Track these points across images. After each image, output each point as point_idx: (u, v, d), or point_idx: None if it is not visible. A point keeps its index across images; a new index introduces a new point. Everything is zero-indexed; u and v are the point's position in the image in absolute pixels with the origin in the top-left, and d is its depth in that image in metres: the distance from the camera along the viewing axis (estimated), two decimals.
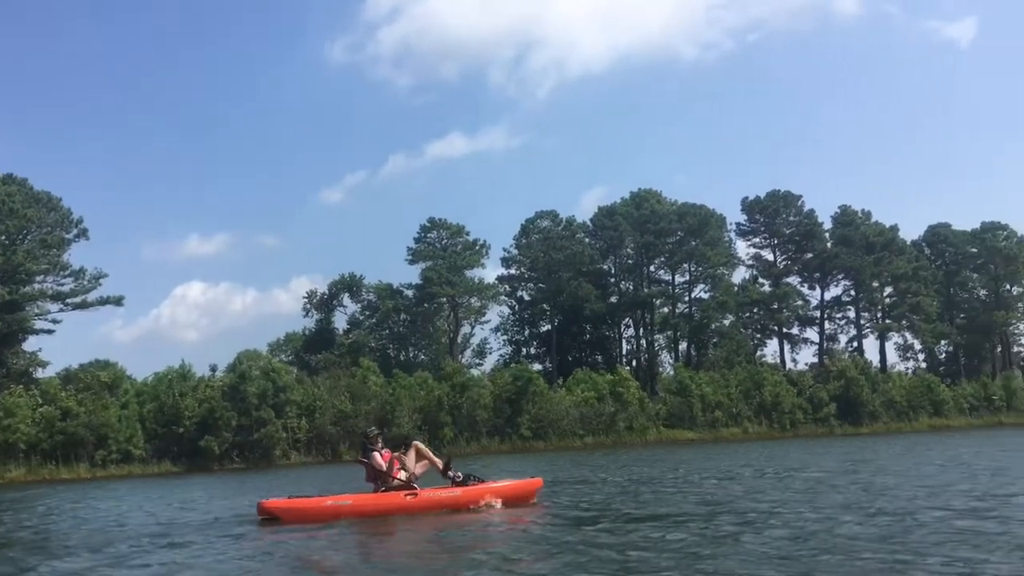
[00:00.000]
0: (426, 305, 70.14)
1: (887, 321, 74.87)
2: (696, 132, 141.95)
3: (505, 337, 76.02)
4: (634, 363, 73.18)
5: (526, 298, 75.85)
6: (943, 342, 78.42)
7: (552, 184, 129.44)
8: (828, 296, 75.69)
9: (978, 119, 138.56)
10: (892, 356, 76.10)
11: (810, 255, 74.62)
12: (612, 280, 75.48)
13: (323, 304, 72.31)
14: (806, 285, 75.66)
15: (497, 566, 8.43)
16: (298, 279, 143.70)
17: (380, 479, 13.68)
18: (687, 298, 73.53)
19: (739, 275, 75.50)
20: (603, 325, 75.96)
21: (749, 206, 76.03)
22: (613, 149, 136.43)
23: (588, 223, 75.18)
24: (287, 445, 47.18)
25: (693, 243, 71.13)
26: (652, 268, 74.65)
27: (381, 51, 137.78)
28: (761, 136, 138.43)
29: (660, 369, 74.13)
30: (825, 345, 74.84)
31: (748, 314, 73.78)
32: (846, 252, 71.94)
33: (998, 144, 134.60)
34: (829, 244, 74.19)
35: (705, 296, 72.76)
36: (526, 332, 77.31)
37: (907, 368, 75.00)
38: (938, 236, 78.79)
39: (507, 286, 74.51)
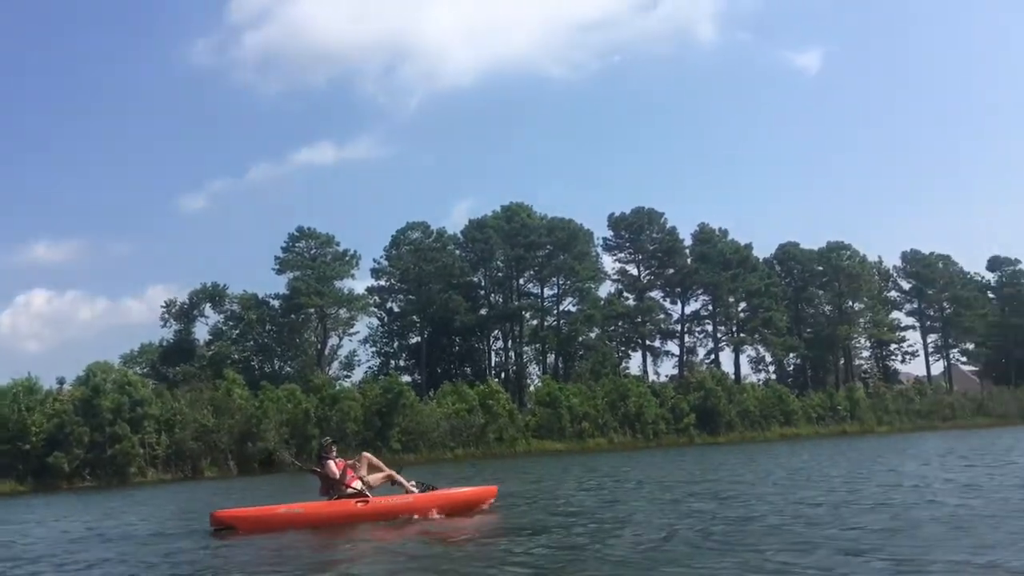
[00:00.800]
0: (293, 316, 68.59)
1: (741, 335, 78.62)
2: (564, 148, 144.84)
3: (374, 349, 75.32)
4: (502, 375, 73.85)
5: (395, 310, 75.40)
6: (791, 355, 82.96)
7: (422, 195, 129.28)
8: (688, 310, 78.92)
9: (824, 142, 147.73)
10: (745, 368, 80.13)
11: (672, 271, 77.51)
12: (482, 292, 76.07)
13: (183, 314, 69.35)
14: (668, 299, 78.71)
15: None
16: (154, 288, 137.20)
17: (334, 488, 13.72)
18: (556, 311, 75.00)
19: (605, 289, 77.68)
20: (473, 337, 76.42)
21: (615, 222, 78.30)
22: (482, 162, 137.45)
23: (459, 235, 75.56)
24: (144, 462, 45.07)
25: (562, 257, 72.68)
26: (522, 281, 75.78)
27: (246, 55, 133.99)
28: (627, 153, 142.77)
29: (528, 381, 75.36)
30: (685, 357, 77.87)
31: (613, 327, 75.90)
32: (705, 268, 75.18)
33: (842, 167, 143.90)
34: (689, 260, 77.26)
35: (573, 309, 74.50)
36: (395, 344, 76.78)
37: (759, 380, 78.99)
38: (788, 254, 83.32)
39: (377, 297, 73.88)
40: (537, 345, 75.66)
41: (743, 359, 79.83)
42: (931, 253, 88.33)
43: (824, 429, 63.85)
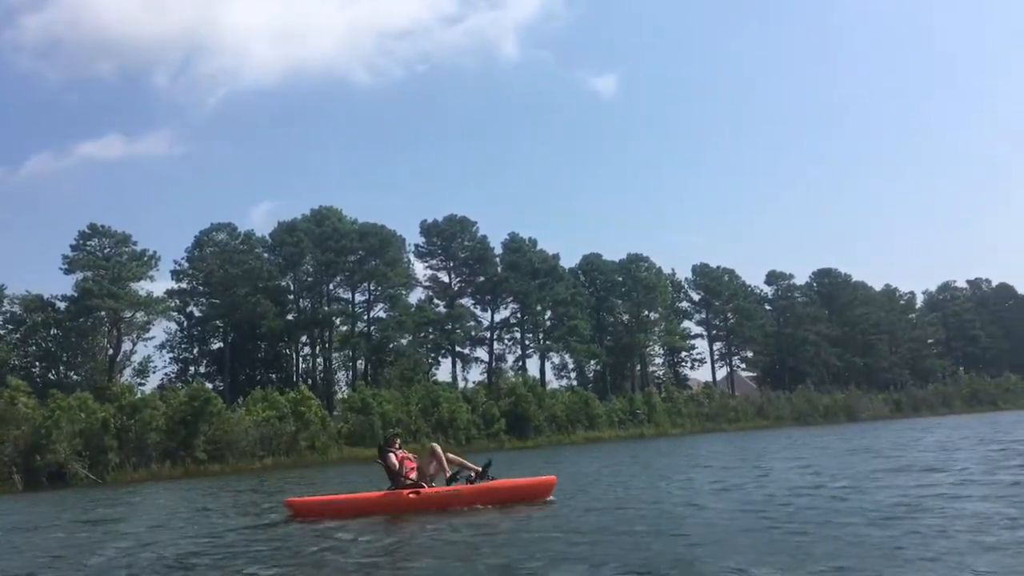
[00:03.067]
0: (82, 319, 63.72)
1: (547, 342, 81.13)
2: (373, 154, 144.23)
3: (171, 355, 71.39)
4: (309, 382, 72.14)
5: (197, 314, 71.87)
6: (593, 361, 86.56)
7: (222, 195, 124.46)
8: (498, 318, 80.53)
9: (621, 162, 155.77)
10: (548, 374, 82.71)
11: (482, 278, 78.83)
12: (291, 297, 74.05)
13: None
14: (478, 307, 79.90)
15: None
16: None
17: (393, 479, 14.10)
18: (366, 317, 74.26)
19: (416, 296, 77.81)
20: (279, 343, 74.25)
21: (427, 229, 78.72)
22: (286, 164, 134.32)
23: (267, 238, 73.26)
24: None
25: (374, 263, 72.13)
26: (332, 286, 74.50)
27: (24, 39, 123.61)
28: (438, 162, 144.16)
29: (336, 388, 74.16)
30: (494, 364, 79.34)
31: (424, 334, 76.12)
32: (514, 277, 77.05)
33: (636, 184, 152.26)
34: (500, 269, 78.87)
35: (384, 315, 74.01)
36: (195, 350, 73.19)
37: (562, 386, 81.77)
38: (591, 265, 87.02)
39: (177, 300, 70.10)
40: (347, 351, 74.54)
41: (547, 365, 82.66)
42: (718, 267, 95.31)
43: (624, 432, 67.02)
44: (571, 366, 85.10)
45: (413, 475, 14.24)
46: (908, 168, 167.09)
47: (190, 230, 71.96)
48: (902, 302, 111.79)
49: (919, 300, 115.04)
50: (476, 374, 79.23)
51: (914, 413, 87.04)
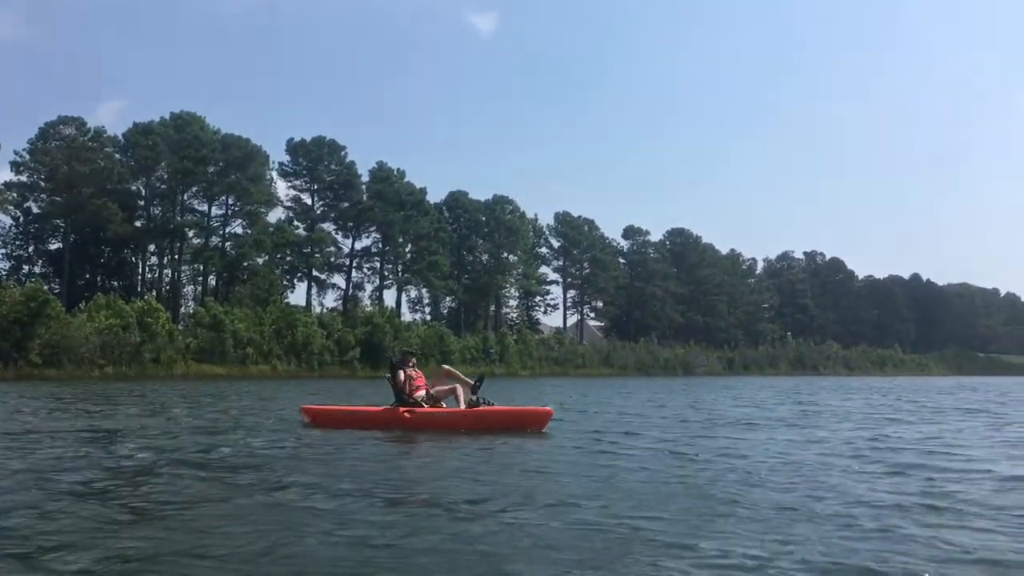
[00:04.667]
0: None
1: (407, 275, 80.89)
2: (242, 65, 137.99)
3: (4, 251, 66.72)
4: (154, 292, 69.22)
5: (36, 210, 67.26)
6: (449, 298, 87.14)
7: (70, 86, 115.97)
8: (359, 246, 79.52)
9: (496, 102, 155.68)
10: (403, 307, 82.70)
11: (347, 204, 77.38)
12: (141, 203, 70.27)
13: None
14: (340, 233, 78.54)
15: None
16: None
17: (397, 395, 13.93)
18: (222, 232, 71.68)
19: (276, 215, 75.55)
20: (125, 250, 70.65)
21: (294, 148, 76.27)
22: (143, 62, 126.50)
23: (119, 138, 69.02)
24: None
25: (234, 176, 69.40)
26: (187, 196, 71.27)
27: None
28: (308, 83, 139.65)
29: (182, 301, 71.64)
30: (351, 292, 78.58)
31: (281, 255, 74.20)
32: (380, 206, 76.03)
33: (508, 125, 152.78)
34: (365, 197, 77.60)
35: (240, 232, 71.68)
36: (31, 248, 68.68)
37: (415, 319, 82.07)
38: (457, 202, 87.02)
39: (15, 194, 65.25)
40: (198, 265, 71.84)
41: (403, 298, 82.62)
42: (579, 216, 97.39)
43: (475, 369, 68.08)
44: (427, 300, 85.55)
45: (419, 394, 14.04)
46: (761, 141, 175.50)
47: (35, 121, 66.69)
48: (744, 267, 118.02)
49: (759, 266, 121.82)
50: (330, 300, 78.39)
51: (744, 371, 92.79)
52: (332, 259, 77.71)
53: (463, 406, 13.78)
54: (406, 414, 13.83)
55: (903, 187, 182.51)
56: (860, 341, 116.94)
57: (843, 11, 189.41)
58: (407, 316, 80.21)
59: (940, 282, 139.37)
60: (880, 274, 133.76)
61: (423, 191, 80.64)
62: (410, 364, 14.61)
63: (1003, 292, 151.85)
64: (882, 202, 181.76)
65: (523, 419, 13.75)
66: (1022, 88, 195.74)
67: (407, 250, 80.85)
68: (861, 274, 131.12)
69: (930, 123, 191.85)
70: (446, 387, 14.13)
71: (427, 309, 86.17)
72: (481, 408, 13.71)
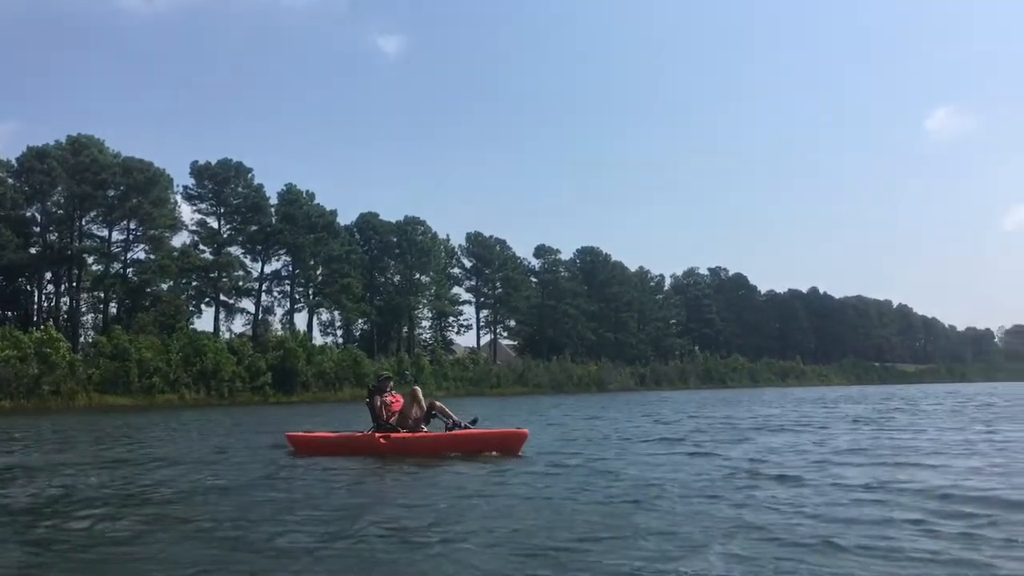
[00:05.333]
0: None
1: (318, 298, 79.70)
2: (138, 82, 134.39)
3: None
4: (51, 322, 66.28)
5: None
6: (361, 320, 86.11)
7: None
8: (268, 269, 77.96)
9: (402, 124, 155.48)
10: (314, 330, 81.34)
11: (255, 228, 75.81)
12: (37, 230, 67.27)
13: None
14: (248, 256, 76.83)
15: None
16: None
17: (374, 420, 14.11)
18: (124, 258, 69.18)
19: (180, 239, 73.37)
20: (19, 278, 67.50)
21: (199, 171, 74.31)
22: (38, 83, 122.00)
23: (12, 162, 66.07)
24: None
25: (136, 200, 67.21)
26: (85, 222, 68.61)
27: None
28: (212, 101, 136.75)
29: (81, 330, 68.83)
30: (261, 316, 76.92)
31: (187, 280, 72.16)
32: (289, 229, 74.78)
33: (416, 147, 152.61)
34: (274, 220, 76.20)
35: (144, 257, 69.38)
36: None
37: (327, 342, 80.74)
38: (368, 224, 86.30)
39: None
40: (98, 293, 69.15)
41: (314, 321, 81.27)
42: (491, 236, 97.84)
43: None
44: (339, 323, 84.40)
45: (393, 420, 14.14)
46: (662, 161, 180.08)
47: None
48: (652, 283, 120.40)
49: (667, 283, 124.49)
50: (239, 325, 76.52)
51: (655, 386, 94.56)
52: (240, 283, 75.97)
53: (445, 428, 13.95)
54: (381, 440, 13.89)
55: (801, 203, 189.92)
56: (763, 354, 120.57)
57: (711, 17, 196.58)
58: (318, 339, 79.03)
59: (837, 295, 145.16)
60: (781, 288, 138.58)
61: (333, 213, 79.76)
62: (388, 389, 14.62)
63: (895, 303, 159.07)
64: (782, 218, 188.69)
65: (498, 441, 13.70)
66: (909, 110, 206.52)
67: (318, 273, 79.69)
68: (763, 288, 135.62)
69: (817, 142, 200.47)
70: (421, 411, 14.29)
71: (339, 332, 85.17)
72: (455, 432, 13.73)
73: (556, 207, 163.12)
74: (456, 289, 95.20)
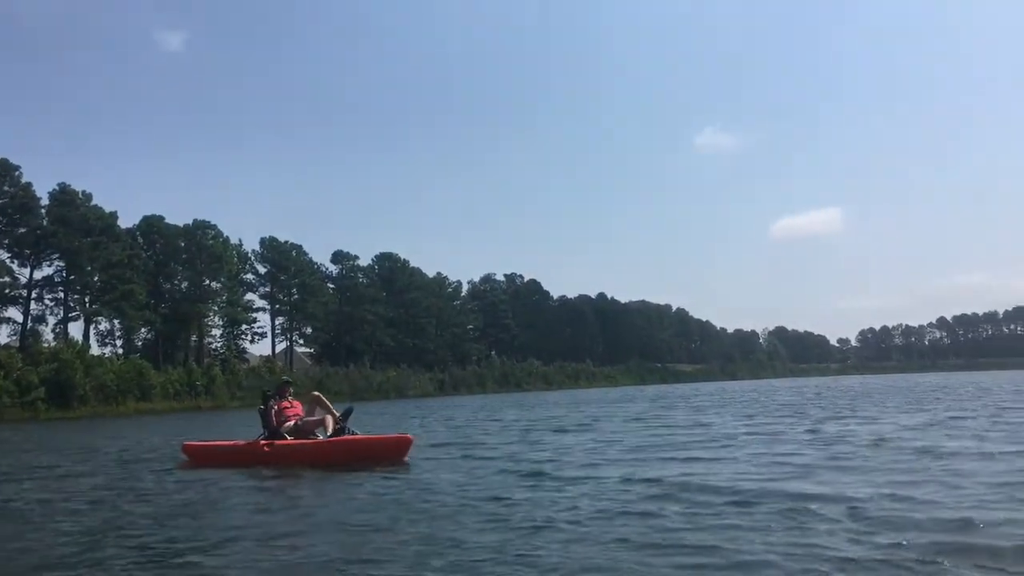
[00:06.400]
0: None
1: (96, 306, 74.36)
2: None
3: None
4: None
5: None
6: (144, 329, 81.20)
7: None
8: (39, 275, 71.85)
9: (186, 122, 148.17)
10: (91, 340, 75.80)
11: (23, 230, 69.67)
12: None
13: None
14: (16, 262, 70.42)
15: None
16: None
17: (265, 427, 13.68)
18: None
19: None
20: None
21: None
22: None
23: None
24: None
25: None
26: None
27: None
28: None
29: None
30: (30, 326, 70.72)
31: None
32: (63, 232, 69.38)
33: (203, 147, 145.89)
34: (45, 222, 70.43)
35: None
36: None
37: (106, 353, 75.48)
38: (152, 227, 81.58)
39: None
40: None
41: (91, 331, 75.73)
42: (286, 241, 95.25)
43: (179, 404, 64.34)
44: (119, 333, 79.14)
45: (287, 425, 13.42)
46: (458, 165, 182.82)
47: None
48: (450, 290, 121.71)
49: (464, 289, 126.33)
50: (3, 336, 70.07)
51: (454, 391, 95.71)
52: (7, 291, 69.48)
53: (329, 436, 13.30)
54: (265, 447, 13.28)
55: (590, 213, 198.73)
56: (556, 357, 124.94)
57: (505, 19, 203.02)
58: (96, 350, 73.71)
59: (623, 300, 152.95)
60: (572, 294, 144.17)
61: (114, 215, 74.69)
62: (287, 394, 14.08)
63: (674, 308, 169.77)
64: (573, 226, 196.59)
65: (381, 448, 13.12)
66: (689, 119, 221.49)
67: (96, 279, 74.33)
68: (556, 294, 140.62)
69: (600, 157, 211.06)
70: (315, 418, 13.67)
71: (119, 342, 79.82)
72: (339, 438, 13.18)
73: (354, 212, 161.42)
74: (250, 296, 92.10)
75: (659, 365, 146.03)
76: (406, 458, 12.80)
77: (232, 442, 15.11)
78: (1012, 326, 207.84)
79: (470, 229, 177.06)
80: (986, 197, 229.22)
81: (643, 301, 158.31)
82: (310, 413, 13.89)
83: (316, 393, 14.14)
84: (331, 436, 13.26)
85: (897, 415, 20.41)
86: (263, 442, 13.56)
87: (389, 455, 12.84)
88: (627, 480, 9.56)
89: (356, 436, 13.43)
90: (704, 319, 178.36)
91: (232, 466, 13.18)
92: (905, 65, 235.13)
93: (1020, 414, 19.15)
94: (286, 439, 13.50)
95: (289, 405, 14.18)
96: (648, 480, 9.44)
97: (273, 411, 13.92)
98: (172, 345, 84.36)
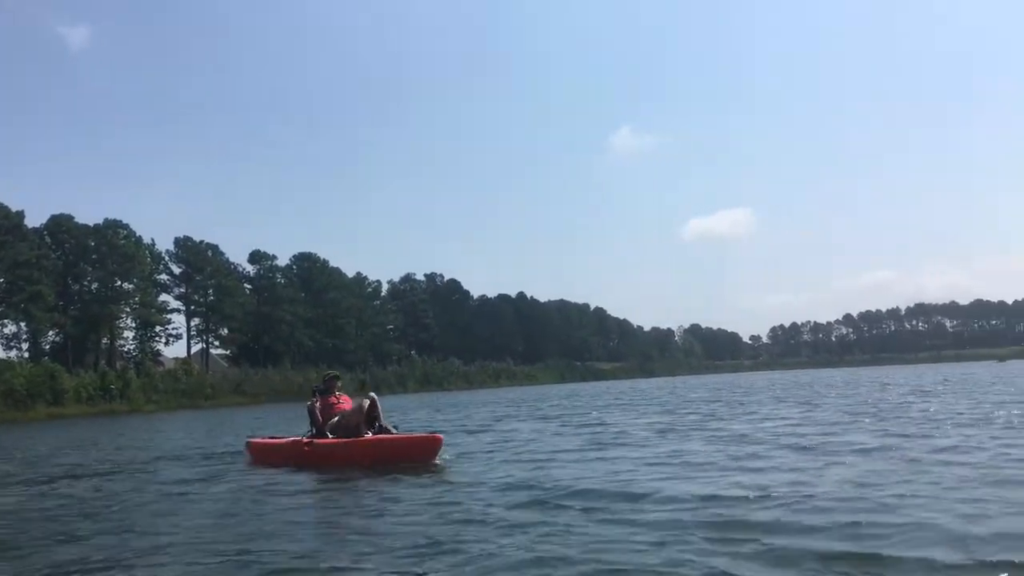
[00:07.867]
0: None
1: (1, 308, 71.69)
2: None
3: None
4: None
5: None
6: (52, 332, 78.56)
7: None
8: None
9: (107, 120, 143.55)
10: None
11: None
12: None
13: None
14: None
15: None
16: None
17: (312, 424, 13.40)
18: None
19: None
20: None
21: None
22: None
23: None
24: None
25: None
26: None
27: None
28: None
29: None
30: None
31: None
32: None
33: (113, 144, 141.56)
34: None
35: None
36: None
37: (11, 356, 72.76)
38: (61, 227, 79.02)
39: None
40: None
41: None
42: (201, 241, 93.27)
43: (93, 408, 62.45)
44: (25, 336, 76.35)
45: (332, 422, 13.06)
46: (377, 165, 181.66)
47: None
48: (370, 289, 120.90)
49: (384, 289, 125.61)
50: None
51: (375, 392, 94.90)
52: None
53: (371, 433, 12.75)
54: (305, 447, 12.98)
55: (508, 212, 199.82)
56: (477, 356, 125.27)
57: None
58: (0, 353, 71.05)
59: (542, 299, 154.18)
60: (492, 294, 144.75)
61: (19, 214, 72.24)
62: (335, 388, 13.65)
63: (593, 307, 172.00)
64: (492, 225, 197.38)
65: (413, 448, 12.39)
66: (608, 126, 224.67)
67: (1, 281, 71.60)
68: (475, 294, 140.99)
69: (522, 156, 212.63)
70: (351, 412, 12.98)
71: (25, 345, 76.96)
72: (370, 437, 12.57)
73: (271, 212, 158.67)
74: (164, 297, 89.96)
75: (579, 363, 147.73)
76: (436, 460, 12.12)
77: (277, 439, 14.87)
78: (913, 322, 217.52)
79: (390, 228, 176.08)
80: (893, 197, 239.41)
81: (562, 300, 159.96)
82: (356, 414, 12.96)
83: (372, 395, 13.16)
84: (375, 433, 12.76)
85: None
86: (304, 440, 13.27)
87: (419, 455, 12.22)
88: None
89: (391, 435, 12.82)
90: (622, 318, 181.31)
91: (278, 466, 12.96)
92: (812, 69, 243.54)
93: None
94: (328, 437, 13.04)
95: (336, 401, 13.57)
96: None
97: (317, 409, 13.43)
98: (82, 348, 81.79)
